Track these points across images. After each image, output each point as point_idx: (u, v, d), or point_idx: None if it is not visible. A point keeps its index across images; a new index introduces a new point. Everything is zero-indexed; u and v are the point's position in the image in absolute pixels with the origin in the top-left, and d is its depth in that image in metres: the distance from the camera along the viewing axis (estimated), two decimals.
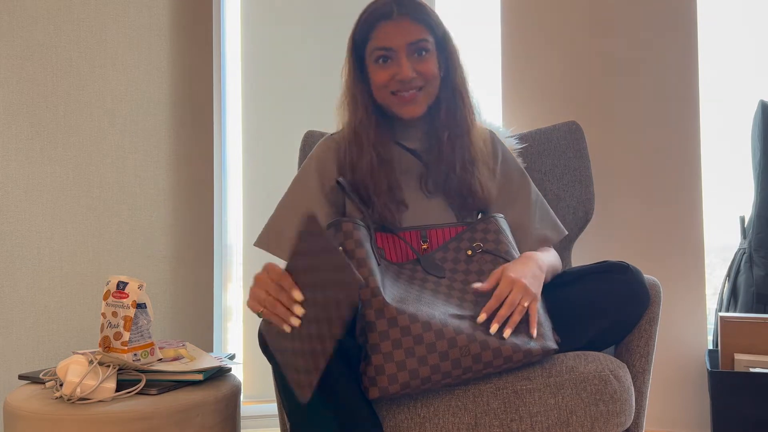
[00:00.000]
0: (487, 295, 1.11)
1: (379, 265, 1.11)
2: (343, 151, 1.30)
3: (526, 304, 1.08)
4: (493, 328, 1.06)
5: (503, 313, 1.07)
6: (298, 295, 0.96)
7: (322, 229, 0.95)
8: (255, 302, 1.01)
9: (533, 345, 1.08)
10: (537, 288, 1.13)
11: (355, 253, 1.08)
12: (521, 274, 1.12)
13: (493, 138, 1.40)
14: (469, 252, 1.19)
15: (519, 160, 1.72)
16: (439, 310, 1.07)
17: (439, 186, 1.30)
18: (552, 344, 1.11)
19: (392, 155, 1.30)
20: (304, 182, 1.34)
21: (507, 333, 1.06)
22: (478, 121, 1.36)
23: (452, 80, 1.30)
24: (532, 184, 1.39)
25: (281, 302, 0.97)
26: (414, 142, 1.34)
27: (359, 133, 1.27)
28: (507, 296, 1.08)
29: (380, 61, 1.24)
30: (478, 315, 1.08)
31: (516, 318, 1.07)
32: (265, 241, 1.31)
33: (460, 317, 1.07)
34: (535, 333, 1.08)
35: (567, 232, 1.40)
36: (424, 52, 1.24)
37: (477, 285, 1.13)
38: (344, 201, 1.31)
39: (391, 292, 1.08)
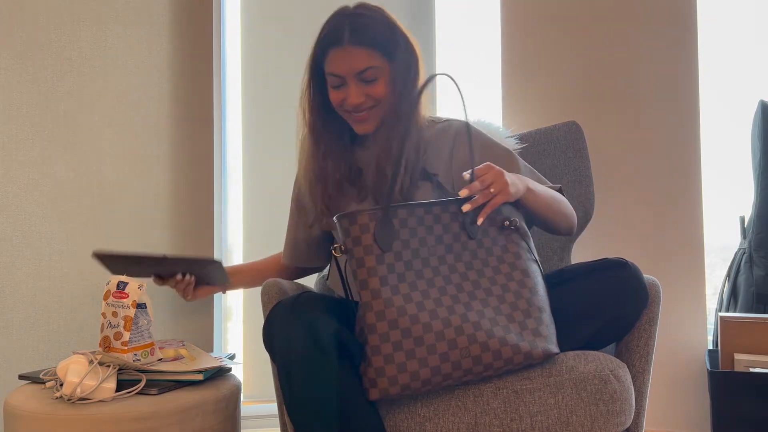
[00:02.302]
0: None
1: (386, 252, 1.06)
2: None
3: (492, 190, 1.13)
4: (466, 207, 1.12)
5: (476, 186, 1.13)
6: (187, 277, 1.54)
7: (110, 254, 1.44)
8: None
9: (535, 347, 1.08)
10: (512, 185, 1.17)
11: (354, 252, 1.06)
12: (503, 171, 1.18)
13: (460, 132, 1.39)
14: (507, 222, 1.17)
15: None
16: (447, 298, 1.06)
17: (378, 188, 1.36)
18: (554, 348, 1.11)
19: (344, 156, 1.38)
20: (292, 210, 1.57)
21: (465, 208, 1.12)
22: (447, 121, 1.41)
23: (400, 93, 1.33)
24: (521, 160, 1.40)
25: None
26: (370, 144, 1.40)
27: (311, 133, 1.39)
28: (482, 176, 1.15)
29: (333, 84, 1.32)
30: (488, 299, 1.09)
31: (479, 200, 1.13)
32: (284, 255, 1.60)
33: (465, 310, 1.07)
34: (480, 221, 1.13)
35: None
36: (372, 80, 1.29)
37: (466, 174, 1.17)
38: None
39: (403, 267, 1.06)
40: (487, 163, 1.19)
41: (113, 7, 1.95)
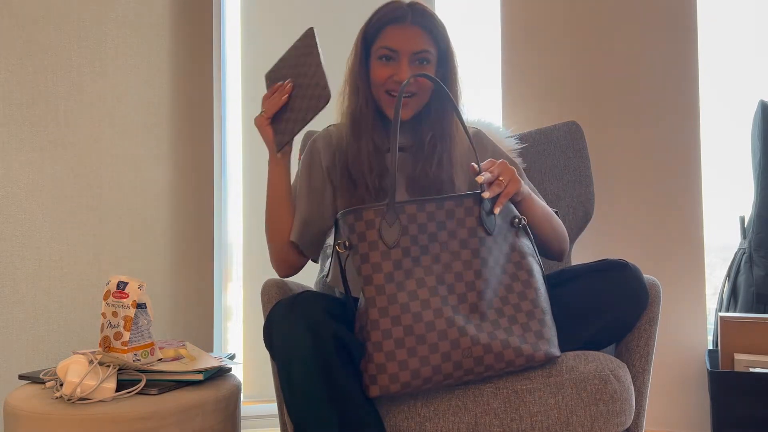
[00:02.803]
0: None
1: (392, 248, 1.06)
2: (337, 138, 1.37)
3: (502, 179, 1.14)
4: (486, 194, 1.12)
5: (491, 171, 1.14)
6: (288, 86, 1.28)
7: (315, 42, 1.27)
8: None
9: (537, 350, 1.08)
10: (519, 176, 1.20)
11: (359, 248, 1.06)
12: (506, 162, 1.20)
13: (479, 137, 1.44)
14: (516, 220, 1.17)
15: (519, 160, 1.73)
16: (454, 297, 1.06)
17: (414, 181, 1.34)
18: (556, 351, 1.10)
19: (385, 145, 1.34)
20: (296, 181, 1.42)
21: (486, 195, 1.12)
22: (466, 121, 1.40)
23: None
24: (525, 176, 1.43)
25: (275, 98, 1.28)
26: (402, 140, 1.38)
27: (358, 121, 1.32)
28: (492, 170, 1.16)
29: (383, 59, 1.29)
30: (493, 300, 1.09)
31: (495, 189, 1.13)
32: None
33: (470, 311, 1.06)
34: (497, 210, 1.13)
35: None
36: (425, 63, 1.30)
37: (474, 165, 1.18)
38: (332, 191, 1.37)
39: (411, 263, 1.05)
40: (490, 159, 1.20)
41: (113, 8, 1.95)
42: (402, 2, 1.32)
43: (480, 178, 1.12)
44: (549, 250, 1.34)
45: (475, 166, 1.17)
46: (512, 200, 1.20)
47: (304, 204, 1.37)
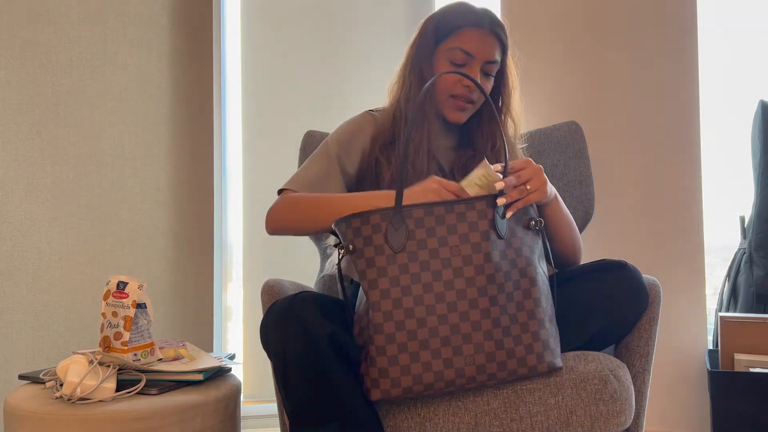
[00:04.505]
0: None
1: (397, 253, 1.04)
2: (383, 125, 1.33)
3: (528, 186, 1.11)
4: (501, 201, 1.08)
5: (512, 181, 1.10)
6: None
7: None
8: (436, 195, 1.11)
9: (541, 361, 1.07)
10: (549, 185, 1.16)
11: (364, 252, 1.05)
12: (542, 167, 1.16)
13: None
14: (532, 222, 1.13)
15: None
16: (464, 302, 1.04)
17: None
18: (559, 361, 1.09)
19: (436, 141, 1.34)
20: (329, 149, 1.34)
21: (500, 201, 1.08)
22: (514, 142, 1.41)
23: (496, 100, 1.36)
24: None
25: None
26: (448, 139, 1.39)
27: (414, 114, 1.28)
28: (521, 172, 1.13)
29: (456, 62, 1.28)
30: (508, 306, 1.06)
31: (514, 194, 1.09)
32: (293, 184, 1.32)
33: (480, 317, 1.04)
34: (509, 215, 1.09)
35: None
36: (491, 74, 1.32)
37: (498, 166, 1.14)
38: (374, 173, 1.31)
39: (419, 267, 1.04)
40: (527, 158, 1.18)
41: (113, 8, 1.95)
42: (475, 6, 1.30)
43: (500, 184, 1.09)
44: (565, 261, 1.30)
45: (499, 166, 1.13)
46: (537, 202, 1.17)
47: (335, 187, 1.32)
